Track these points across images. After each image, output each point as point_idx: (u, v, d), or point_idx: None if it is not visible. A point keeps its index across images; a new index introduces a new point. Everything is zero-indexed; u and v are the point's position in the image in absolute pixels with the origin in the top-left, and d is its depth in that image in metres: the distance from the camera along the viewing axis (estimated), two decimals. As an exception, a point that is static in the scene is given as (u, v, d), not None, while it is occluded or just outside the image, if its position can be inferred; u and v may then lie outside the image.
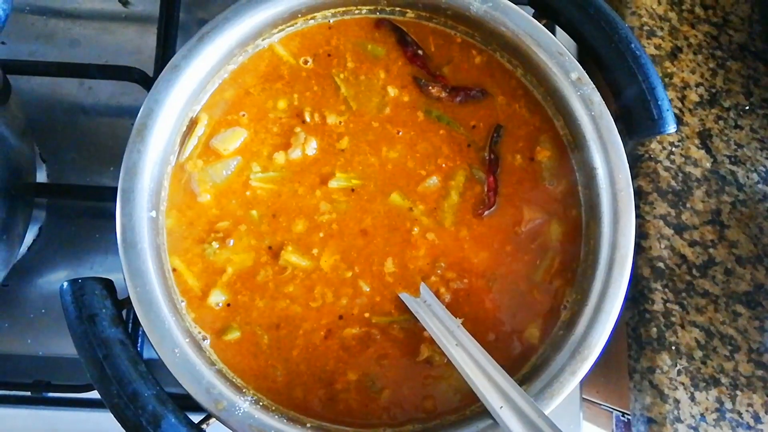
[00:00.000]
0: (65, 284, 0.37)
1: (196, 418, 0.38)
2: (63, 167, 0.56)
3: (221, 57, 0.43)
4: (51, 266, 0.54)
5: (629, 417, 0.54)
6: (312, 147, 0.45)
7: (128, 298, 0.39)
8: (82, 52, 0.58)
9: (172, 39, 0.56)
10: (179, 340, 0.38)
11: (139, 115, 0.40)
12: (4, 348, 0.53)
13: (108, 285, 0.38)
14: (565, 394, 0.38)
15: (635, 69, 0.42)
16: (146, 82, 0.55)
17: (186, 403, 0.38)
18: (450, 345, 0.40)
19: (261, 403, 0.39)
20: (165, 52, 0.55)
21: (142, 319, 0.37)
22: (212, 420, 0.38)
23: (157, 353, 0.37)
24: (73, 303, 0.37)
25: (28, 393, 0.51)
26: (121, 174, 0.39)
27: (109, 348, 0.36)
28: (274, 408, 0.39)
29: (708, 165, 0.54)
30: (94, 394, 0.51)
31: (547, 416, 0.36)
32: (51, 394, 0.51)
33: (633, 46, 0.43)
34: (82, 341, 0.36)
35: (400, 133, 0.45)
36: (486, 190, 0.45)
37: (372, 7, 0.46)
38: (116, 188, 0.53)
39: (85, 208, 0.55)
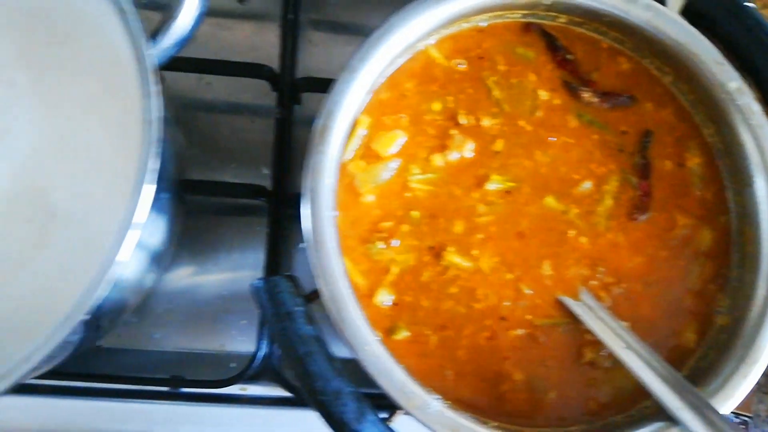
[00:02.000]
0: (259, 281, 0.39)
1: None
2: (185, 163, 0.57)
3: (388, 61, 0.44)
4: (177, 262, 0.55)
5: (745, 419, 0.56)
6: (468, 149, 0.46)
7: (309, 295, 0.40)
8: (199, 48, 0.59)
9: (295, 38, 0.57)
10: (369, 337, 0.39)
11: (320, 116, 0.41)
12: (134, 344, 0.53)
13: (295, 282, 0.40)
14: (738, 398, 0.40)
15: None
16: (274, 80, 0.56)
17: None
18: (618, 348, 0.42)
19: (444, 402, 0.40)
20: (290, 52, 0.56)
21: (335, 317, 0.39)
22: (394, 418, 0.40)
23: (350, 351, 0.39)
24: (270, 300, 0.38)
25: (166, 388, 0.52)
26: (306, 174, 0.40)
27: (309, 345, 0.37)
28: (453, 407, 0.41)
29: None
30: (228, 390, 0.53)
31: (725, 417, 0.38)
32: (185, 390, 0.52)
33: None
34: (283, 338, 0.37)
35: (553, 137, 0.47)
36: (640, 194, 0.46)
37: (527, 12, 0.48)
38: (241, 184, 0.55)
39: (209, 204, 0.56)
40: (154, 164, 0.35)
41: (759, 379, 0.54)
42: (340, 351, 0.39)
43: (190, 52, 0.57)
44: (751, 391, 0.47)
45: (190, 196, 0.53)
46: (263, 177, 0.57)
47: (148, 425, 0.52)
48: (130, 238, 0.34)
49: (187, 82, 0.58)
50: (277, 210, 0.55)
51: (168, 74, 0.57)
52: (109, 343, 0.53)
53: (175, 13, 0.37)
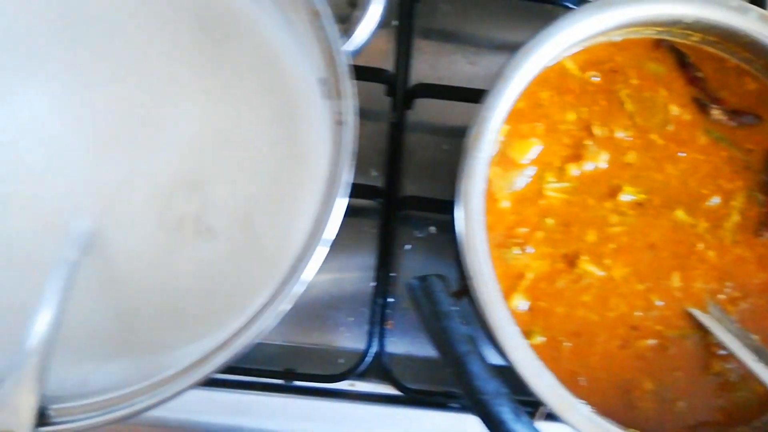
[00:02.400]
0: (414, 280, 0.40)
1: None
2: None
3: (534, 72, 0.45)
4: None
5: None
6: (603, 160, 0.47)
7: (456, 294, 0.41)
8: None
9: (409, 45, 0.59)
10: (520, 340, 0.40)
11: (474, 122, 0.42)
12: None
13: (446, 282, 0.41)
14: None
15: None
16: (391, 84, 0.57)
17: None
18: (750, 360, 0.43)
19: (591, 408, 0.41)
20: (404, 58, 0.58)
21: (489, 318, 0.40)
22: (535, 421, 0.41)
23: (500, 353, 0.40)
24: (426, 299, 0.39)
25: (280, 381, 0.53)
26: (460, 179, 0.42)
27: (466, 345, 0.38)
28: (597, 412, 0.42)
29: None
30: (337, 386, 0.54)
31: None
32: (297, 383, 0.53)
33: None
34: (441, 338, 0.38)
35: (683, 152, 0.48)
36: (766, 211, 0.48)
37: (663, 29, 0.49)
38: (358, 184, 0.56)
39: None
40: (348, 176, 0.36)
41: None
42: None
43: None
44: None
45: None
46: (373, 179, 0.58)
47: (261, 418, 0.53)
48: (318, 256, 0.35)
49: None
50: (388, 211, 0.57)
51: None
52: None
53: (358, 22, 0.38)
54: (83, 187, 0.42)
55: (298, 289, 0.35)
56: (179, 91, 0.44)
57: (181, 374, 0.35)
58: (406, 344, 0.57)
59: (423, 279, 0.40)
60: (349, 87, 0.36)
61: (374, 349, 0.54)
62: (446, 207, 0.59)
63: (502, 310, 0.41)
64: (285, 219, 0.43)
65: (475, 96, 0.56)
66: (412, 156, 0.60)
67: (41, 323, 0.36)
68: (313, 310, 0.56)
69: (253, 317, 0.35)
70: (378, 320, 0.55)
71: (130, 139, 0.43)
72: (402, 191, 0.58)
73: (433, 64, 0.62)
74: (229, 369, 0.52)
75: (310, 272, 0.35)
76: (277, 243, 0.43)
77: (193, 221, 0.43)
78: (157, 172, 0.43)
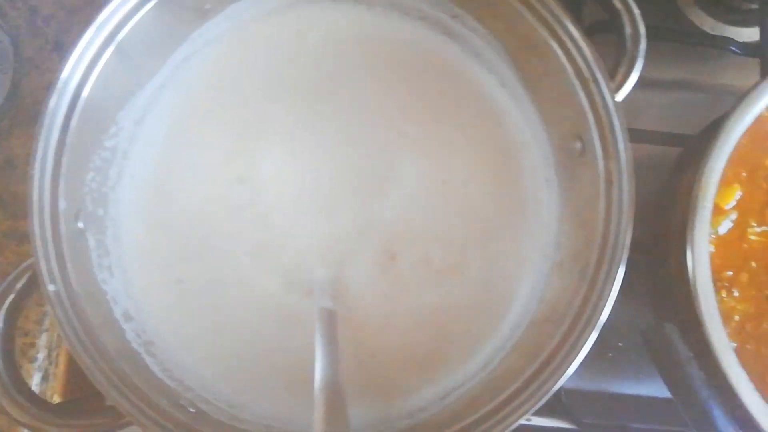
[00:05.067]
0: (651, 330, 0.44)
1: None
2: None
3: (749, 120, 0.49)
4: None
5: None
6: (799, 203, 0.51)
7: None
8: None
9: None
10: (750, 384, 0.44)
11: (704, 173, 0.47)
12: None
13: (677, 328, 0.45)
14: None
15: None
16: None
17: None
18: None
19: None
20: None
21: (721, 360, 0.44)
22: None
23: (735, 396, 0.44)
24: (665, 348, 0.43)
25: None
26: (691, 227, 0.46)
27: (706, 390, 0.42)
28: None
29: None
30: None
31: None
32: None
33: None
34: (684, 384, 0.43)
35: None
36: None
37: None
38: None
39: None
40: (627, 240, 0.40)
41: None
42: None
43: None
44: None
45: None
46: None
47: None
48: (589, 343, 0.39)
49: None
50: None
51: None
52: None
53: (626, 75, 0.42)
54: (321, 238, 0.46)
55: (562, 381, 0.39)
56: (405, 146, 0.48)
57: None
58: (581, 379, 0.61)
59: (659, 328, 0.44)
60: (622, 147, 0.40)
61: (554, 385, 0.58)
62: (638, 248, 0.63)
63: (731, 355, 0.45)
64: (509, 269, 0.47)
65: (663, 139, 0.61)
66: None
67: (322, 367, 0.39)
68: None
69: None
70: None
71: (363, 190, 0.48)
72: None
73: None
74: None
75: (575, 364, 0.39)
76: (501, 293, 0.47)
77: (420, 267, 0.47)
78: (387, 221, 0.47)
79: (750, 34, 0.66)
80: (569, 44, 0.40)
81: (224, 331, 0.44)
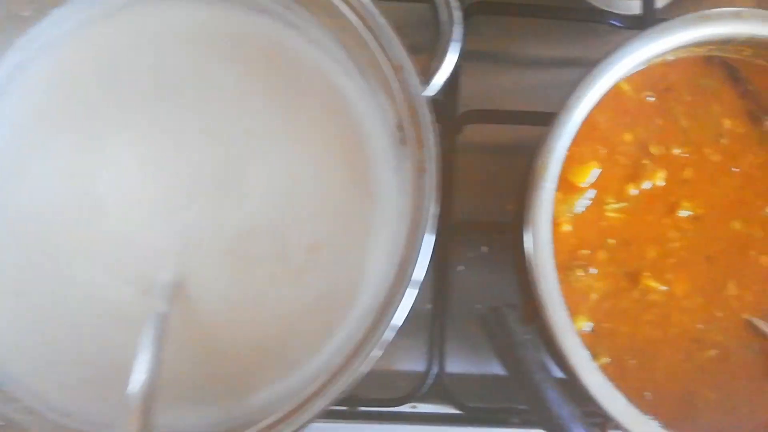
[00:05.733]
0: (487, 311, 0.44)
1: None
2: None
3: (596, 99, 0.49)
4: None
5: None
6: (660, 177, 0.52)
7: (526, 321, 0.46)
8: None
9: (457, 71, 0.61)
10: (591, 364, 0.45)
11: (541, 153, 0.47)
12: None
13: (517, 311, 0.45)
14: None
15: None
16: (439, 113, 0.61)
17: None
18: (812, 366, 0.48)
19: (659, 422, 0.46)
20: (453, 87, 0.62)
21: (562, 344, 0.44)
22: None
23: (571, 377, 0.45)
24: (501, 329, 0.44)
25: (344, 407, 0.58)
26: (529, 208, 0.46)
27: (543, 372, 0.43)
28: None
29: None
30: (399, 408, 0.59)
31: None
32: (362, 409, 0.58)
33: None
34: (518, 366, 0.43)
35: (738, 164, 0.52)
36: (821, 219, 0.52)
37: (714, 47, 0.52)
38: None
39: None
40: (433, 222, 0.40)
41: None
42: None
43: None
44: None
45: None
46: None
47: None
48: (409, 298, 0.40)
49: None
50: (443, 238, 0.60)
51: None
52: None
53: (438, 65, 0.42)
54: (167, 238, 0.47)
55: (388, 336, 0.39)
56: (253, 143, 0.48)
57: (282, 421, 0.39)
58: (464, 363, 0.62)
59: (495, 309, 0.45)
60: (431, 137, 0.40)
61: (435, 370, 0.59)
62: (498, 228, 0.63)
63: (572, 336, 0.45)
64: (358, 259, 0.47)
65: (524, 118, 0.61)
66: (462, 178, 0.64)
67: (140, 371, 0.40)
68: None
69: (343, 365, 0.40)
70: (437, 341, 0.59)
71: (212, 191, 0.48)
72: (454, 213, 0.62)
73: (479, 85, 0.66)
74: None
75: (401, 316, 0.39)
76: (350, 283, 0.47)
77: (270, 264, 0.47)
78: (238, 221, 0.47)
79: (631, 7, 0.65)
80: (377, 32, 0.40)
81: (61, 340, 0.45)
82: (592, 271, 0.50)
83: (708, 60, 0.54)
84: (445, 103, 0.62)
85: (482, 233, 0.63)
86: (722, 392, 0.50)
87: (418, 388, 0.59)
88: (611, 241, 0.51)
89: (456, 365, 0.61)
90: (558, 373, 0.47)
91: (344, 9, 0.41)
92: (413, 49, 0.44)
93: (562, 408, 0.43)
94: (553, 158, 0.47)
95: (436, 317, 0.60)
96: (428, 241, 0.40)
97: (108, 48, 0.49)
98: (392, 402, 0.58)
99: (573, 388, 0.45)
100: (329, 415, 0.58)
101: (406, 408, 0.60)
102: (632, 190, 0.51)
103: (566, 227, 0.51)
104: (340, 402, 0.58)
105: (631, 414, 0.45)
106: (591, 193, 0.51)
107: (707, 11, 0.50)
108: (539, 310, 0.45)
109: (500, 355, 0.44)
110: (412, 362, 0.61)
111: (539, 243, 0.46)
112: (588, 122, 0.52)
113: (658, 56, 0.52)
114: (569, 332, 0.45)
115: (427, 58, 0.43)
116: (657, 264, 0.51)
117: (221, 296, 0.47)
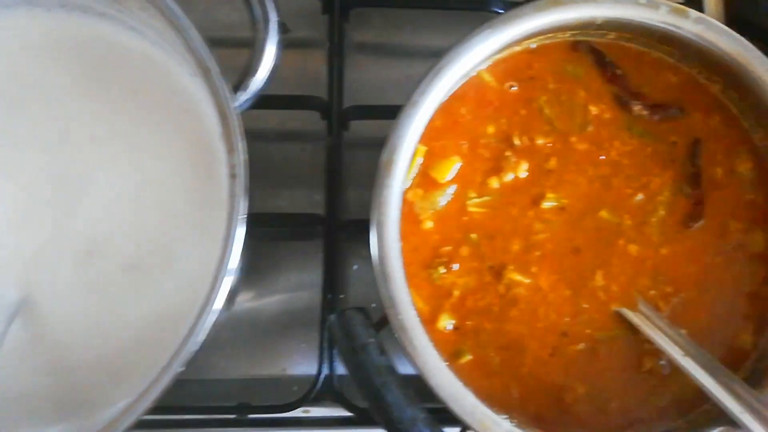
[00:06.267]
0: (333, 317, 0.44)
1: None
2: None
3: (447, 90, 0.49)
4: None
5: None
6: (523, 169, 0.51)
7: (378, 323, 0.45)
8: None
9: (341, 65, 0.62)
10: (438, 364, 0.45)
11: (384, 150, 0.46)
12: (200, 373, 0.59)
13: (366, 313, 0.45)
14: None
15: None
16: (324, 109, 0.61)
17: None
18: (677, 355, 0.47)
19: (511, 422, 0.46)
20: (337, 80, 0.62)
21: (405, 346, 0.44)
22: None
23: (421, 377, 0.44)
24: (344, 334, 0.43)
25: (233, 416, 0.58)
26: (373, 208, 0.46)
27: (383, 376, 0.43)
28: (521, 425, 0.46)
29: None
30: (292, 413, 0.59)
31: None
32: (253, 416, 0.58)
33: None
34: (359, 371, 0.43)
35: (605, 151, 0.51)
36: (692, 203, 0.51)
37: (577, 32, 0.52)
38: (296, 214, 0.61)
39: (266, 232, 0.61)
40: (241, 229, 0.40)
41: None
42: (407, 368, 0.45)
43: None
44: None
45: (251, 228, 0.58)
46: (315, 202, 0.62)
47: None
48: (225, 285, 0.39)
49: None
50: (331, 235, 0.61)
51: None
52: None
53: (253, 70, 0.42)
54: (12, 255, 0.47)
55: (211, 319, 0.39)
56: (98, 150, 0.48)
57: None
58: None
59: (339, 314, 0.44)
60: (240, 143, 0.40)
61: (324, 373, 0.59)
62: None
63: (421, 336, 0.45)
64: (197, 271, 0.47)
65: None
66: (352, 173, 0.63)
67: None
68: (264, 340, 0.62)
69: (177, 349, 0.40)
70: (327, 343, 0.59)
71: (60, 203, 0.48)
72: (345, 210, 0.62)
73: (368, 77, 0.65)
74: (181, 408, 0.57)
75: (220, 301, 0.39)
76: (193, 295, 0.47)
77: (116, 275, 0.47)
78: (82, 232, 0.47)
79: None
80: (184, 35, 0.40)
81: None
82: (455, 267, 0.50)
83: (574, 46, 0.53)
84: (329, 101, 0.62)
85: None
86: (592, 386, 0.49)
87: (309, 392, 0.59)
88: (473, 236, 0.50)
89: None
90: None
91: (153, 11, 0.41)
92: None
93: (403, 411, 0.42)
94: (398, 156, 0.47)
95: (324, 319, 0.60)
96: (239, 236, 0.40)
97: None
98: (282, 408, 0.58)
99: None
100: (218, 423, 0.58)
101: (298, 413, 0.60)
102: (494, 184, 0.51)
103: (428, 224, 0.50)
104: (227, 410, 0.58)
105: (479, 413, 0.44)
106: (452, 189, 0.51)
107: (560, -5, 0.49)
108: (385, 311, 0.45)
109: (344, 359, 0.44)
110: (308, 366, 0.61)
111: (384, 244, 0.46)
112: (449, 115, 0.52)
113: (515, 43, 0.51)
114: (416, 332, 0.45)
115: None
116: (521, 257, 0.50)
117: (69, 312, 0.47)
